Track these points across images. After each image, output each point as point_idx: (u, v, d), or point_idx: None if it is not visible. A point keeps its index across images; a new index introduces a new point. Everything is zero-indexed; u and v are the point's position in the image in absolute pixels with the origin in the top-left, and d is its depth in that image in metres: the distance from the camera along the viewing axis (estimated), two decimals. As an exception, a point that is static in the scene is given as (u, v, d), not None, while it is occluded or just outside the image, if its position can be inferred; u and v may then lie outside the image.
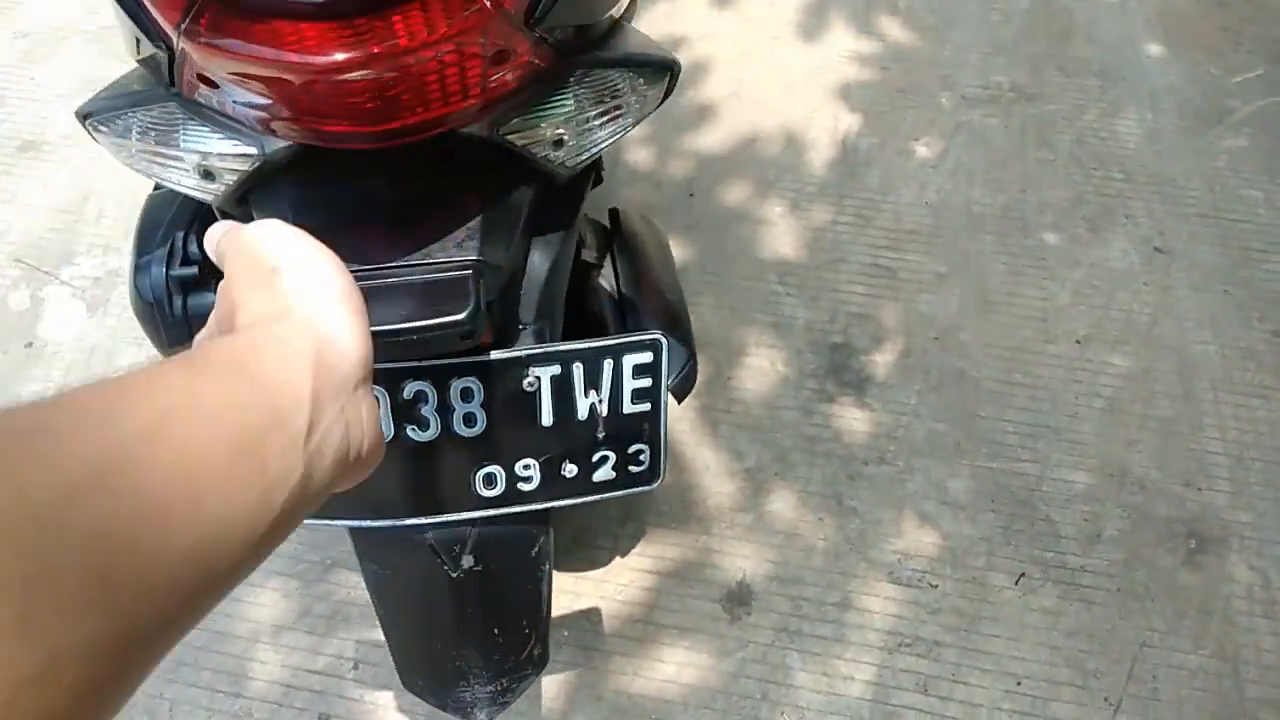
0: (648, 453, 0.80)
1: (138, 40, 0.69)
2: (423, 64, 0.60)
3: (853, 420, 1.56)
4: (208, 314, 0.94)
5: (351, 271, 0.66)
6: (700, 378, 1.62)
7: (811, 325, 1.68)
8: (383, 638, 1.17)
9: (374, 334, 0.64)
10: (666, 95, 0.83)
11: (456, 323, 0.63)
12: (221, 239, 0.47)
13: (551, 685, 1.31)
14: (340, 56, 0.54)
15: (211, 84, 0.64)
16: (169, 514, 0.31)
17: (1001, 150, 1.96)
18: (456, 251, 0.67)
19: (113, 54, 2.16)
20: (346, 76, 0.57)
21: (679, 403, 1.07)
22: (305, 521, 0.77)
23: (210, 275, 0.91)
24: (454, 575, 0.80)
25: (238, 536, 0.34)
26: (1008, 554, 1.43)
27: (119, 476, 0.30)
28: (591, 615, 1.37)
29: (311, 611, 1.37)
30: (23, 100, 2.08)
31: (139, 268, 0.91)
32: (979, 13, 2.25)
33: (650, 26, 2.18)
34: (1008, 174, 1.92)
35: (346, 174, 0.70)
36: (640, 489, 0.81)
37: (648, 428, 0.79)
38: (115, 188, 1.90)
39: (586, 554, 1.42)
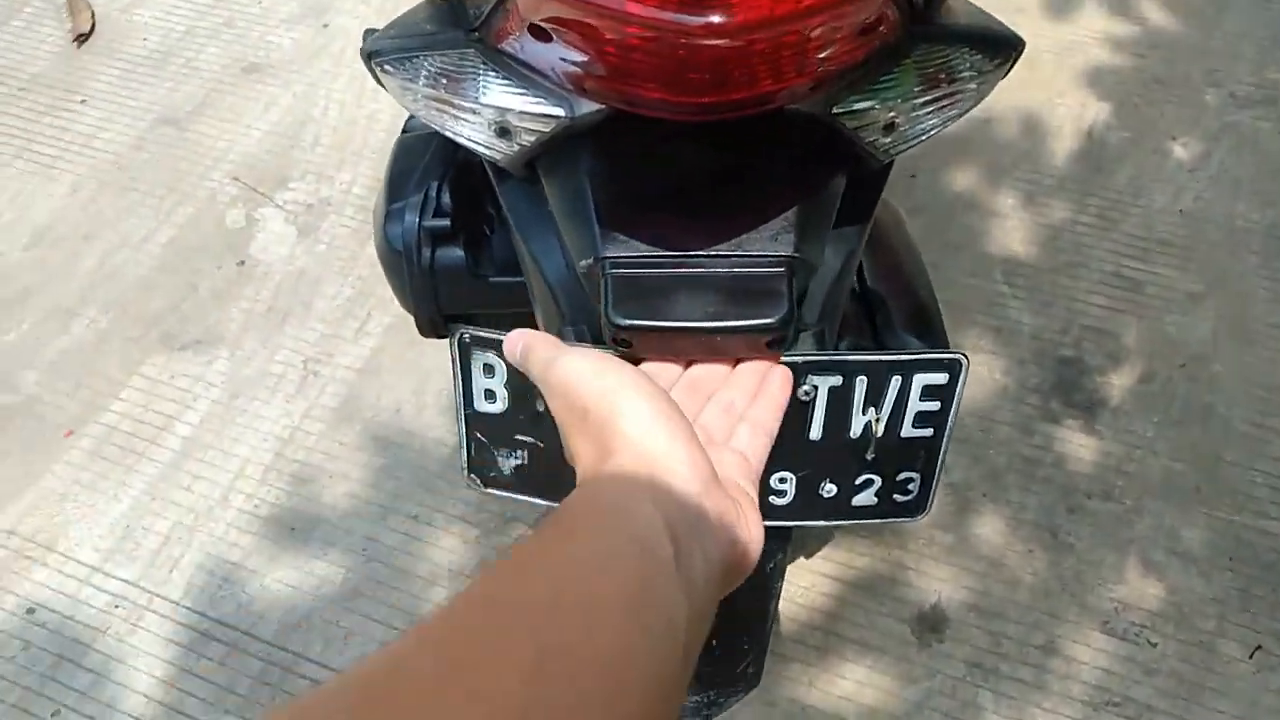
0: (918, 482, 0.71)
1: None
2: (796, 36, 0.52)
3: (1078, 446, 1.42)
4: (455, 269, 0.91)
5: (654, 256, 0.61)
6: (909, 377, 1.50)
7: (1039, 334, 1.53)
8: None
9: (674, 330, 0.58)
10: (1005, 75, 0.72)
11: (767, 326, 0.56)
12: (535, 366, 0.48)
13: (723, 682, 1.25)
14: (715, 19, 0.46)
15: (541, 35, 0.58)
16: (605, 704, 0.31)
17: (1274, 159, 1.74)
18: (772, 246, 0.59)
19: (339, -19, 2.19)
20: (707, 41, 0.49)
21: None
22: (538, 501, 0.73)
23: (460, 229, 0.88)
24: None
25: (664, 698, 0.34)
26: (1243, 621, 1.27)
27: (549, 681, 0.30)
28: (771, 615, 1.30)
29: (488, 559, 1.36)
30: (250, 23, 2.13)
31: (390, 214, 0.87)
32: (1258, 1, 1.99)
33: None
34: (1279, 186, 1.69)
35: (655, 147, 0.63)
36: (902, 520, 0.73)
37: (924, 455, 0.70)
38: (332, 116, 1.92)
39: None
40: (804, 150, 0.65)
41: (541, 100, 0.61)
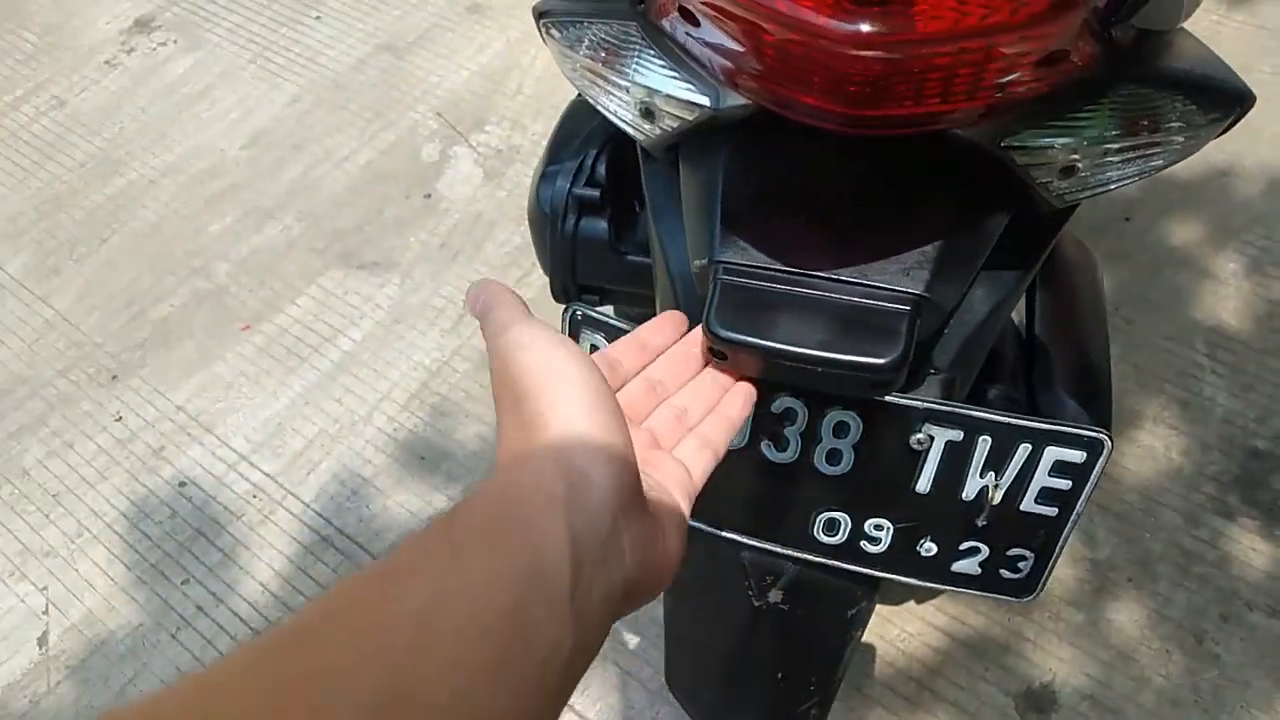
0: (1030, 562, 0.64)
1: None
2: (954, 56, 0.47)
3: (1249, 549, 1.27)
4: (597, 241, 0.90)
5: (770, 269, 0.57)
6: (1071, 436, 1.39)
7: (1232, 418, 1.38)
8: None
9: (772, 351, 0.55)
10: (1221, 133, 0.63)
11: (876, 367, 0.52)
12: (488, 327, 0.44)
13: (802, 708, 1.21)
14: (864, 28, 0.42)
15: (691, 19, 0.55)
16: None
17: None
18: (900, 280, 0.54)
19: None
20: (856, 53, 0.45)
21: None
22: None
23: (608, 202, 0.87)
24: (757, 604, 0.71)
25: None
26: None
27: (398, 709, 0.29)
28: (865, 652, 1.24)
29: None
30: (484, -38, 2.19)
31: (545, 176, 0.87)
32: None
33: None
34: None
35: (796, 154, 0.59)
36: (1006, 599, 0.67)
37: (1043, 535, 0.63)
38: (538, 67, 1.95)
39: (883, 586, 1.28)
40: (962, 182, 0.59)
41: (689, 87, 0.58)
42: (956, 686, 1.21)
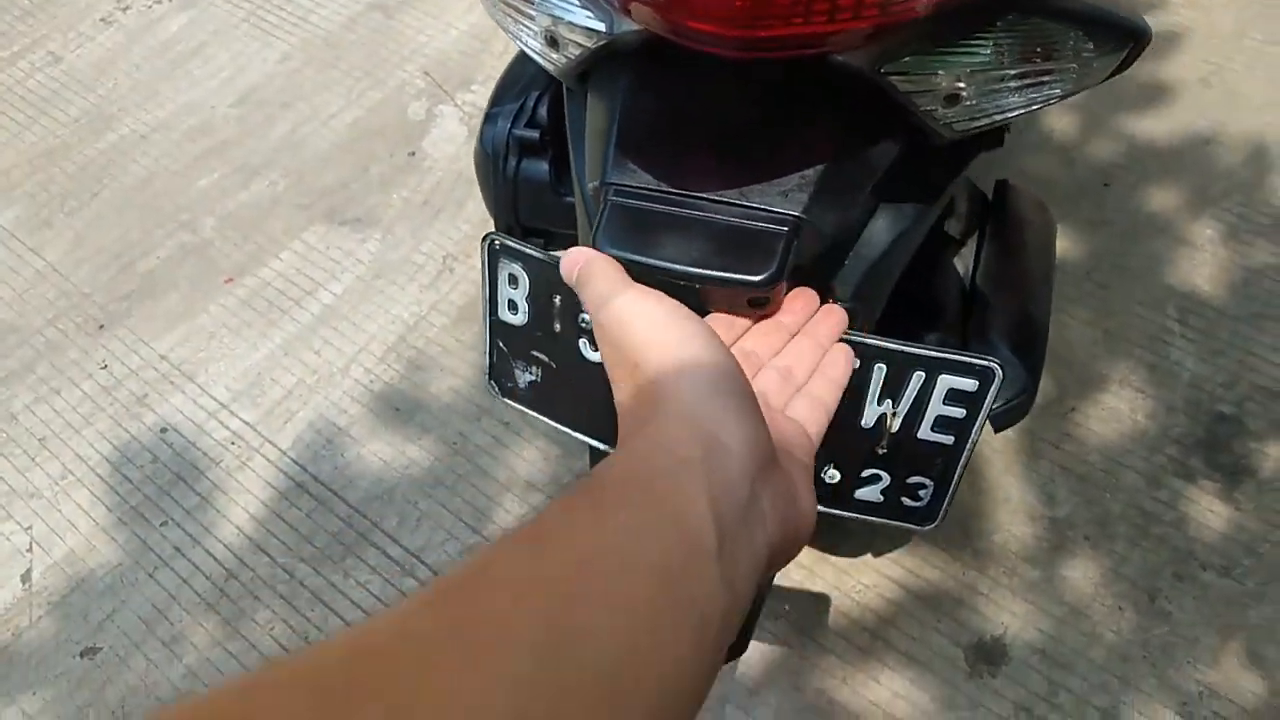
0: (930, 490, 0.66)
1: None
2: None
3: (1208, 511, 1.28)
4: (537, 182, 0.92)
5: (656, 190, 0.59)
6: (1040, 400, 1.39)
7: (1199, 383, 1.38)
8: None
9: (656, 269, 0.56)
10: (1120, 69, 0.64)
11: (747, 283, 0.53)
12: (590, 298, 0.43)
13: (755, 654, 1.23)
14: None
15: None
16: (617, 692, 0.28)
17: None
18: (779, 201, 0.55)
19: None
20: None
21: (995, 432, 0.90)
22: (547, 420, 0.74)
23: (550, 144, 0.88)
24: None
25: (686, 692, 0.30)
26: (1355, 748, 1.12)
27: (560, 664, 0.27)
28: (821, 602, 1.26)
29: (560, 481, 1.39)
30: (479, -76, 2.19)
31: (488, 117, 0.89)
32: None
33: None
34: None
35: (687, 80, 0.60)
36: (907, 526, 0.68)
37: (940, 463, 0.64)
38: (526, 26, 1.96)
39: (838, 537, 1.30)
40: (845, 109, 0.60)
41: (589, 14, 0.60)
42: (909, 637, 1.23)
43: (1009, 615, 1.23)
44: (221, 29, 2.07)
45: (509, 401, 0.73)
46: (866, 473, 0.66)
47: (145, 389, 1.56)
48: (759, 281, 0.53)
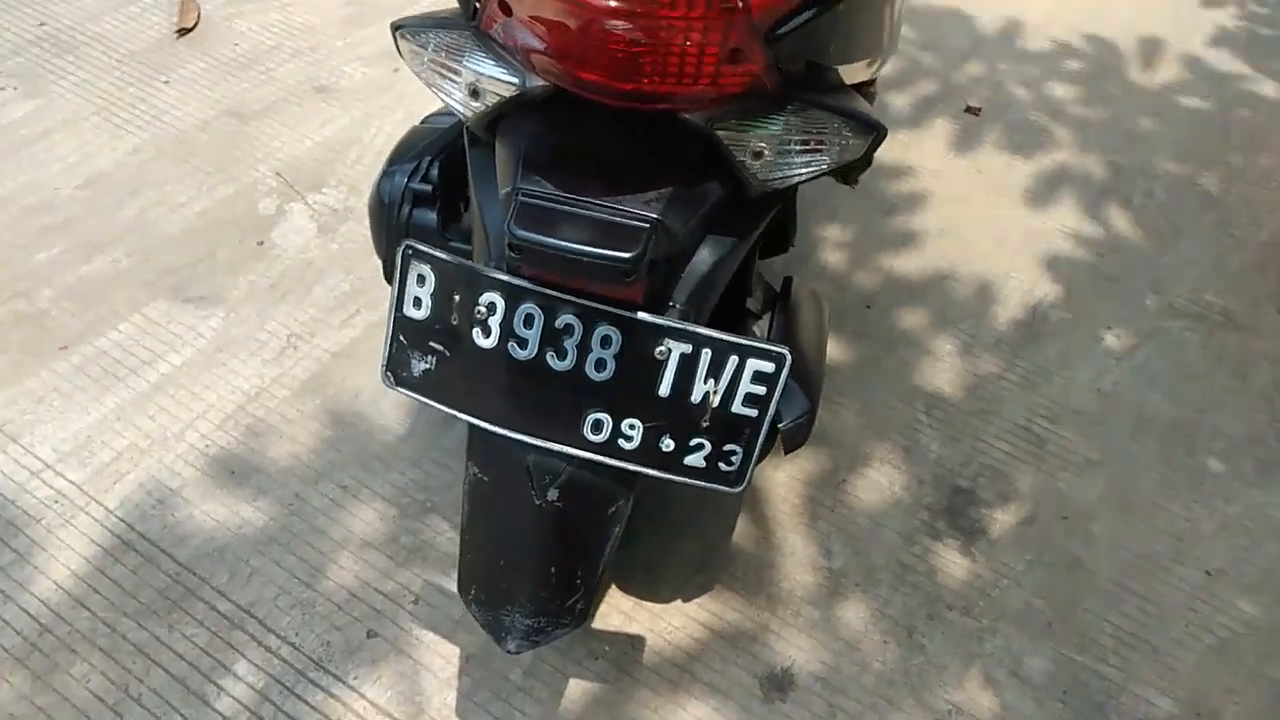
0: (740, 456, 0.85)
1: None
2: (671, 32, 0.71)
3: (951, 564, 1.54)
4: (426, 227, 1.09)
5: (555, 195, 0.78)
6: (814, 470, 1.65)
7: (942, 462, 1.68)
8: (449, 587, 1.27)
9: (554, 247, 0.75)
10: (867, 154, 0.91)
11: (621, 259, 0.74)
12: None
13: (576, 690, 1.35)
14: (612, 3, 0.66)
15: (506, 10, 0.78)
16: None
17: (1192, 367, 1.91)
18: (642, 206, 0.77)
19: (417, 38, 2.46)
20: (610, 24, 0.69)
21: (786, 452, 1.12)
22: (433, 403, 0.88)
23: (438, 197, 1.07)
24: (537, 502, 0.88)
25: None
26: (1065, 750, 1.36)
27: None
28: (636, 642, 1.41)
29: (397, 540, 1.48)
30: (331, 53, 2.41)
31: (386, 174, 1.07)
32: (1213, 233, 2.21)
33: (886, 151, 2.26)
34: (1191, 391, 1.85)
35: (577, 123, 0.82)
36: (721, 488, 0.86)
37: (748, 433, 0.84)
38: (379, 142, 2.15)
39: (652, 586, 1.46)
40: (689, 152, 0.83)
41: (507, 72, 0.81)
42: (712, 670, 1.39)
43: (795, 649, 1.42)
44: (69, 119, 2.13)
45: (402, 390, 0.87)
46: (693, 441, 0.84)
47: (-39, 447, 1.54)
48: (629, 258, 0.73)
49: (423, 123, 1.20)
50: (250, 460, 1.57)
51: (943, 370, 1.84)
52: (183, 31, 2.37)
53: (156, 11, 2.45)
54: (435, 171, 1.07)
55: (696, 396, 0.83)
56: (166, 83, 2.25)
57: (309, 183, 2.04)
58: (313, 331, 1.76)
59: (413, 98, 2.28)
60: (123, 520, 1.48)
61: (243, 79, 2.28)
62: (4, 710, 1.28)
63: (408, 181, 1.05)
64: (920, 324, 1.93)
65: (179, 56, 2.33)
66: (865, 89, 0.98)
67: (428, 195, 1.06)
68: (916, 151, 2.32)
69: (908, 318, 1.93)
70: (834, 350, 1.85)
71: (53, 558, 1.43)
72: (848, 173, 1.13)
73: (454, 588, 1.43)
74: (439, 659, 1.37)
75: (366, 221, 1.94)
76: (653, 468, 0.87)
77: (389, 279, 1.17)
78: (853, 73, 0.97)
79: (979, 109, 2.49)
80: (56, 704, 1.29)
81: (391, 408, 1.66)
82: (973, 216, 2.18)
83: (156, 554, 1.45)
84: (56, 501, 1.49)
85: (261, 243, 1.91)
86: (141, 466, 1.54)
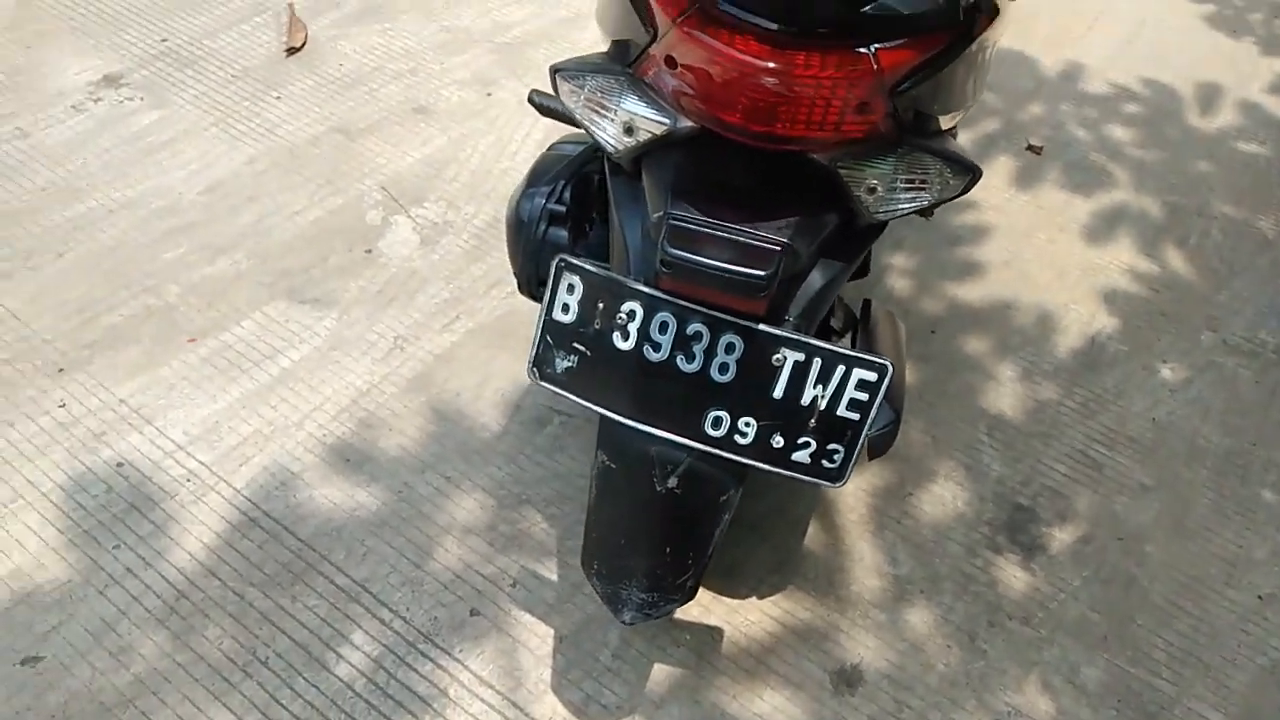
0: (842, 454, 0.97)
1: (624, 27, 0.98)
2: (805, 87, 0.84)
3: (1012, 577, 1.64)
4: (559, 245, 1.22)
5: (701, 220, 0.90)
6: (881, 484, 1.75)
7: (1003, 481, 1.78)
8: (544, 572, 1.40)
9: (700, 264, 0.87)
10: (964, 191, 1.02)
11: (758, 277, 0.86)
12: None
13: (659, 673, 1.46)
14: (770, 65, 0.78)
15: (671, 64, 0.91)
16: None
17: (1246, 401, 1.99)
18: (775, 232, 0.90)
19: (505, 65, 2.62)
20: (760, 80, 0.82)
21: (871, 458, 1.23)
22: (572, 397, 1.00)
23: (571, 217, 1.20)
24: (658, 488, 1.00)
25: None
26: (1117, 754, 1.45)
27: None
28: (715, 633, 1.52)
29: (497, 529, 1.61)
30: (429, 76, 2.56)
31: (525, 195, 1.20)
32: (1267, 273, 2.29)
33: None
34: (1244, 423, 1.94)
35: (719, 159, 0.95)
36: (824, 483, 0.98)
37: (850, 434, 0.96)
38: (474, 162, 2.30)
39: (731, 584, 1.58)
40: (812, 185, 0.96)
41: (658, 113, 0.94)
42: (785, 663, 1.49)
43: (863, 648, 1.53)
44: (191, 130, 2.30)
45: (545, 384, 1.00)
46: (801, 440, 0.96)
47: (103, 427, 1.69)
48: (764, 276, 0.86)
49: (551, 149, 1.34)
50: (363, 450, 1.71)
51: (1004, 394, 1.94)
52: (292, 50, 2.54)
53: (267, 30, 2.63)
54: (568, 195, 1.20)
55: (806, 400, 0.95)
56: (278, 98, 2.42)
57: (411, 197, 2.19)
58: (417, 335, 1.90)
59: (504, 123, 2.43)
60: (249, 499, 1.62)
61: (348, 98, 2.44)
62: (149, 665, 1.41)
63: (545, 202, 1.19)
64: (982, 350, 2.03)
65: (289, 74, 2.50)
66: (950, 131, 1.11)
67: (562, 215, 1.19)
68: (980, 187, 2.40)
69: (970, 343, 2.04)
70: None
71: (186, 530, 1.57)
72: (933, 207, 1.24)
73: (549, 574, 1.55)
74: (535, 638, 1.49)
75: (464, 236, 2.10)
76: (764, 462, 0.99)
77: (522, 290, 1.31)
78: (949, 120, 1.09)
79: (1040, 148, 2.59)
80: (193, 662, 1.42)
81: (489, 407, 1.79)
82: (1034, 250, 2.28)
83: (280, 531, 1.58)
84: (189, 480, 1.64)
85: (369, 251, 2.06)
86: (265, 451, 1.69)
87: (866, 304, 1.42)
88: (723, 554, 1.60)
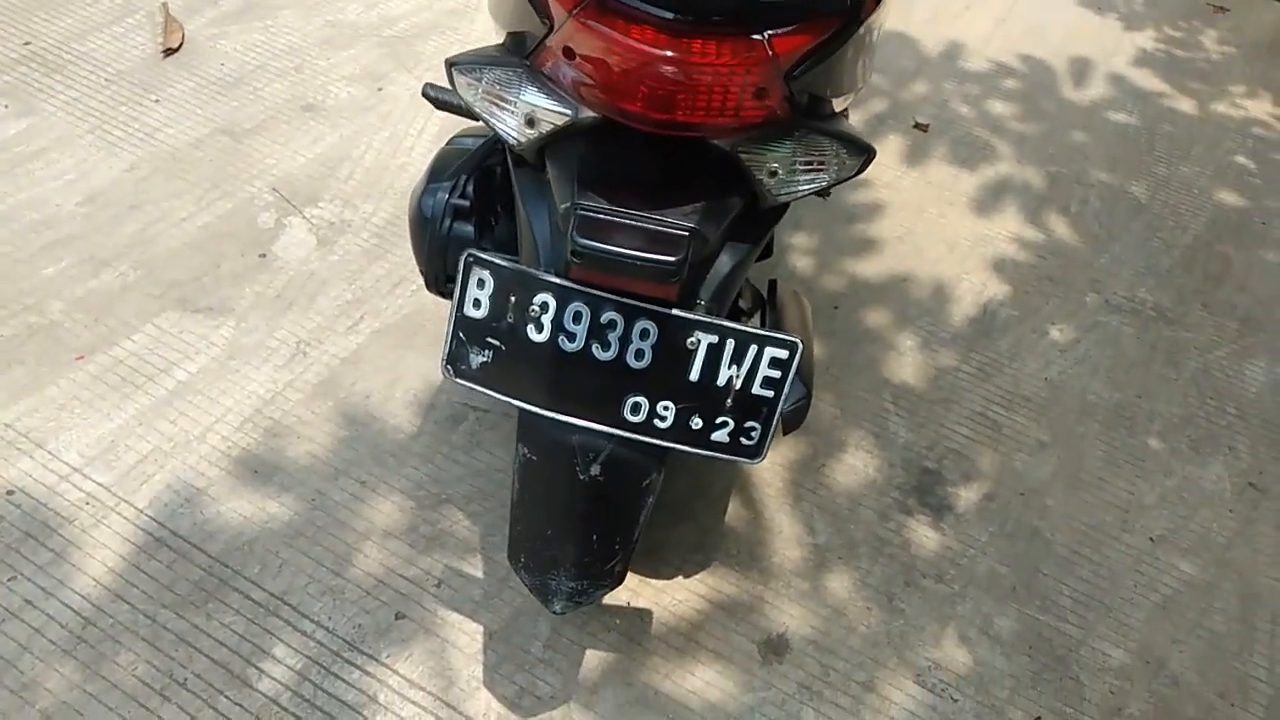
0: (759, 431, 0.99)
1: (519, 19, 0.97)
2: (704, 75, 0.85)
3: (924, 537, 1.70)
4: (464, 239, 1.20)
5: (608, 210, 0.90)
6: (796, 457, 1.79)
7: (910, 446, 1.84)
8: (469, 570, 1.39)
9: (610, 253, 0.87)
10: (859, 170, 1.05)
11: (666, 262, 0.86)
12: None
13: (592, 660, 1.47)
14: (667, 53, 0.79)
15: (569, 55, 0.91)
16: None
17: (1129, 357, 2.10)
18: (682, 217, 0.90)
19: (394, 59, 2.57)
20: (657, 68, 0.82)
21: (785, 433, 1.26)
22: (489, 392, 1.00)
23: (475, 211, 1.18)
24: (581, 477, 1.00)
25: None
26: (1030, 696, 1.52)
27: None
28: (644, 615, 1.53)
29: (417, 530, 1.59)
30: (316, 73, 2.49)
31: (427, 191, 1.18)
32: (1142, 235, 2.43)
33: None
34: (1129, 378, 2.05)
35: (622, 147, 0.95)
36: (743, 460, 1.00)
37: (766, 411, 0.98)
38: (368, 159, 2.25)
39: (655, 565, 1.59)
40: (714, 170, 0.97)
41: (559, 105, 0.93)
42: (714, 638, 1.52)
43: (788, 617, 1.56)
44: (63, 137, 2.19)
45: (461, 381, 0.99)
46: (719, 420, 0.98)
47: (-11, 454, 1.60)
48: (673, 262, 0.86)
49: (450, 143, 1.32)
50: (271, 460, 1.66)
51: (906, 364, 2.00)
52: (169, 51, 2.44)
53: (140, 32, 2.52)
54: (471, 189, 1.19)
55: (722, 380, 0.96)
56: (157, 101, 2.32)
57: (305, 198, 2.13)
58: (320, 339, 1.85)
59: (397, 118, 2.39)
60: (153, 519, 1.56)
61: (231, 98, 2.36)
62: (57, 698, 1.35)
63: (448, 198, 1.17)
64: (883, 322, 2.09)
65: (167, 76, 2.39)
66: (843, 113, 1.14)
67: (466, 210, 1.18)
68: (873, 166, 2.49)
69: (871, 317, 2.10)
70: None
71: (89, 555, 1.50)
72: (831, 187, 1.28)
73: (474, 571, 1.54)
74: (464, 636, 1.47)
75: (363, 234, 2.05)
76: (684, 444, 1.01)
77: (430, 287, 1.29)
78: (842, 102, 1.12)
79: (926, 125, 2.68)
80: (106, 690, 1.36)
81: (401, 408, 1.76)
82: (926, 224, 2.36)
83: (189, 549, 1.53)
84: (87, 503, 1.56)
85: (263, 255, 1.99)
86: (167, 468, 1.62)
87: (772, 284, 1.45)
88: (647, 536, 1.61)
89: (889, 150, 2.58)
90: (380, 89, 2.46)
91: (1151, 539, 1.76)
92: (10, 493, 1.56)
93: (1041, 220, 2.43)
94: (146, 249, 1.97)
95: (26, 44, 2.42)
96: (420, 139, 2.32)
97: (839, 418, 1.88)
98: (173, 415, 1.70)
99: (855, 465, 1.79)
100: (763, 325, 1.36)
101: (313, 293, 1.94)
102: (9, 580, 1.46)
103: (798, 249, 2.23)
